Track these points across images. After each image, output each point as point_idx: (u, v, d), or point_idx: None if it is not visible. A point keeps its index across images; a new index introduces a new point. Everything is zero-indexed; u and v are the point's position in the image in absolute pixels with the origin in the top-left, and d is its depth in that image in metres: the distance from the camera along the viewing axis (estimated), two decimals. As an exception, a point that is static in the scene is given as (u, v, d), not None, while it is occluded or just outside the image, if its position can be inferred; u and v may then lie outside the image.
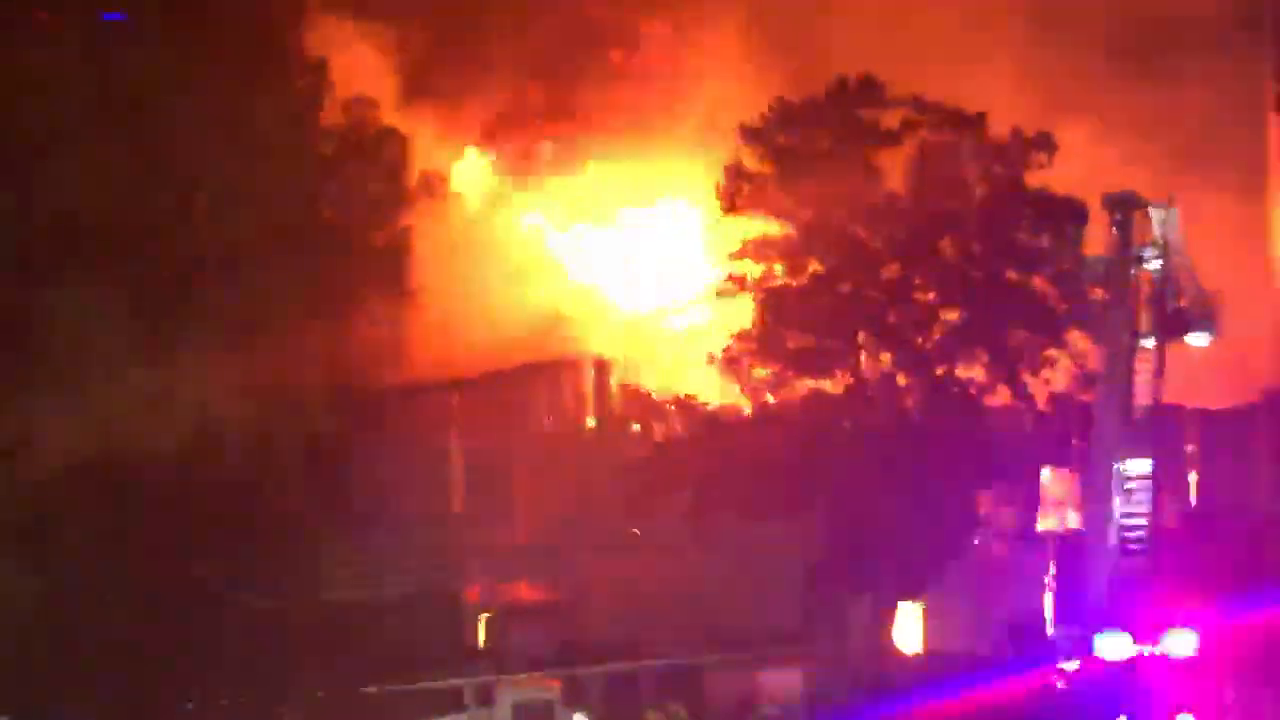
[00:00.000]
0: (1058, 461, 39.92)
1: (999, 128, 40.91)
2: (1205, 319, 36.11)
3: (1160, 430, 36.14)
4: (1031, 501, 40.95)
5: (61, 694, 33.41)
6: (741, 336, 41.11)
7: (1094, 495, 36.17)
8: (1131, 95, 45.06)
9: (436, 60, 46.19)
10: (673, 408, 42.04)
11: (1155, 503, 35.63)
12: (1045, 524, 40.46)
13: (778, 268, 41.17)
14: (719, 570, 41.31)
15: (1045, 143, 40.47)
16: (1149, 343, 36.00)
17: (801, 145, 41.51)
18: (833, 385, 40.91)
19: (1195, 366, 37.42)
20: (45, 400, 32.48)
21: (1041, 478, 40.81)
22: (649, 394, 42.94)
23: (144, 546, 33.56)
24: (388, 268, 36.09)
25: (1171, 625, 35.01)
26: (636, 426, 43.58)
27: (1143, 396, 36.07)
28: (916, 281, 40.89)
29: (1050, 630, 37.17)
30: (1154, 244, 36.09)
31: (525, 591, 42.40)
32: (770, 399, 41.08)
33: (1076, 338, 39.82)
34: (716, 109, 45.06)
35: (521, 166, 47.84)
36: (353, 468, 36.38)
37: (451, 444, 43.96)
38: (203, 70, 34.38)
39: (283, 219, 34.29)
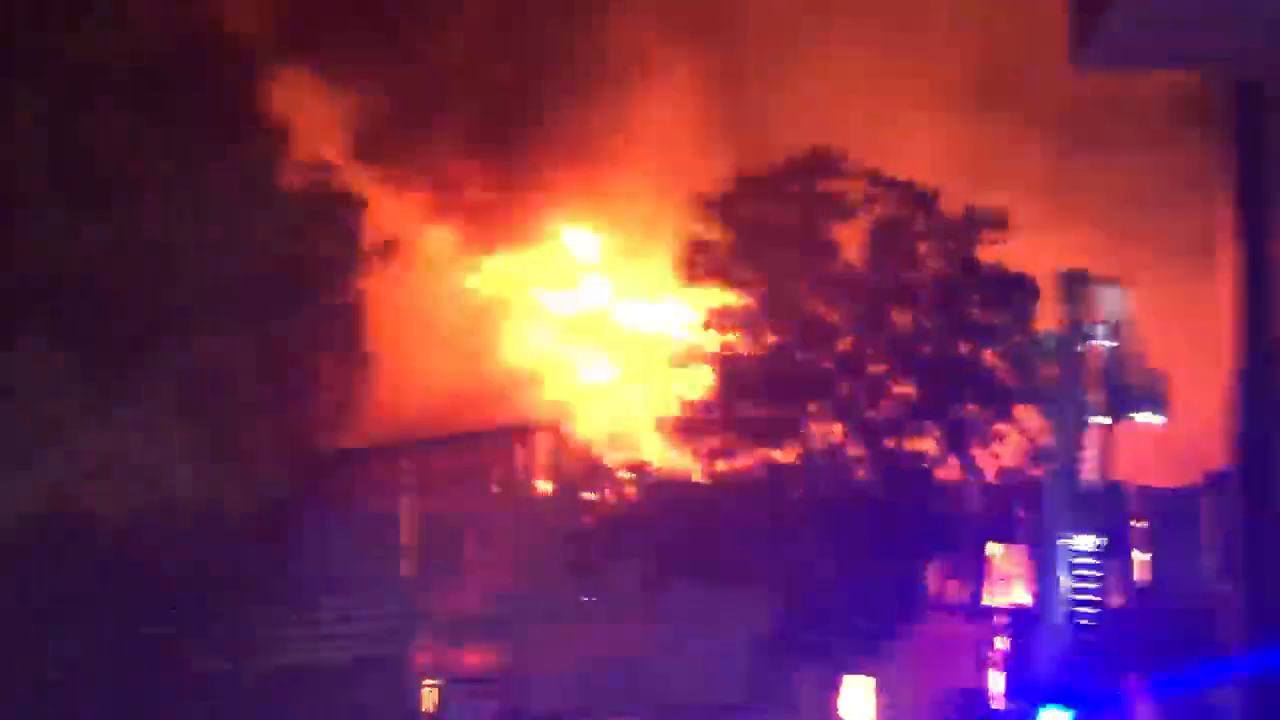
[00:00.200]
0: (1007, 536, 40.08)
1: (953, 203, 41.30)
2: (1154, 398, 36.40)
3: (1109, 507, 36.37)
4: (980, 576, 41.05)
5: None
6: (695, 405, 41.28)
7: (1042, 571, 36.37)
8: (1085, 174, 45.48)
9: (394, 123, 46.36)
10: (625, 474, 42.14)
11: (1103, 579, 35.83)
12: (994, 599, 40.54)
13: (734, 338, 41.39)
14: (667, 639, 41.33)
15: (998, 219, 40.84)
16: (1099, 420, 36.26)
17: (760, 217, 41.80)
18: (783, 455, 41.07)
19: (1144, 445, 37.64)
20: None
21: (990, 552, 40.94)
22: (601, 460, 43.05)
23: (92, 609, 33.48)
24: (341, 331, 36.16)
25: (1116, 700, 35.13)
26: (589, 494, 43.64)
27: (1092, 473, 36.32)
28: (869, 354, 41.15)
29: (996, 705, 37.26)
30: (1104, 322, 36.41)
31: (474, 658, 42.35)
32: (721, 467, 41.22)
33: (1027, 413, 40.05)
34: (675, 179, 45.31)
35: (478, 232, 48.00)
36: (303, 531, 36.40)
37: (402, 508, 43.97)
38: (158, 131, 34.44)
39: (237, 281, 34.33)
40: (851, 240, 41.44)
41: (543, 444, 45.48)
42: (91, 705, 33.36)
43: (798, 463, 40.83)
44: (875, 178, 41.11)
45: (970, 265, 40.92)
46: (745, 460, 40.99)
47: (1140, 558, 41.05)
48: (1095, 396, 36.38)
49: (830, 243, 41.32)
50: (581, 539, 41.53)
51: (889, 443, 40.79)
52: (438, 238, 47.61)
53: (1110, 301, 36.53)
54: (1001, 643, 38.39)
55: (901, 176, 41.27)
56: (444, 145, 47.23)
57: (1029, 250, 41.30)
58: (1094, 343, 36.41)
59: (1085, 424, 36.33)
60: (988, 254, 41.10)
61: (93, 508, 32.47)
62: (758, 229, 41.61)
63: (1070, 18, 23.46)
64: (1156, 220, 43.10)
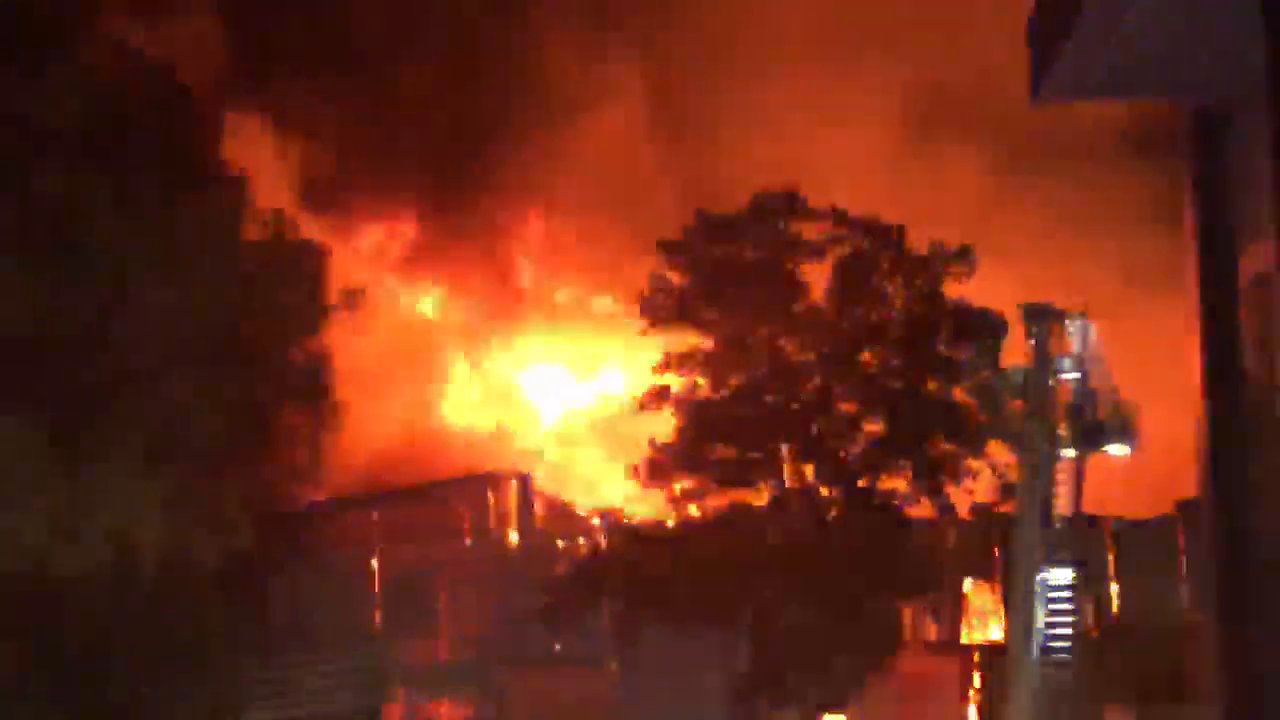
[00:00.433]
0: (980, 572, 39.95)
1: (919, 240, 41.24)
2: (1124, 430, 36.25)
3: (1081, 540, 36.20)
4: (954, 613, 40.91)
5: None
6: (664, 448, 41.07)
7: (1016, 606, 36.16)
8: (1053, 208, 45.54)
9: (351, 170, 46.26)
10: (596, 521, 41.94)
11: (1077, 613, 35.64)
12: (970, 635, 40.40)
13: (700, 380, 41.22)
14: (641, 684, 41.07)
15: (964, 255, 40.78)
16: (1069, 453, 36.11)
17: (723, 258, 41.66)
18: (755, 497, 40.88)
19: (1115, 477, 37.52)
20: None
21: (964, 588, 40.83)
22: (572, 507, 42.85)
23: (58, 666, 33.09)
24: (307, 383, 35.86)
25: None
26: (560, 541, 43.42)
27: (1063, 507, 36.12)
28: (838, 392, 41.01)
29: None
30: (1072, 356, 36.29)
31: (446, 710, 42.05)
32: (694, 511, 41.02)
33: (997, 448, 39.91)
34: (632, 220, 45.29)
35: (439, 279, 47.89)
36: (271, 585, 36.07)
37: (372, 560, 43.70)
38: (120, 184, 34.18)
39: (200, 335, 34.04)
40: (816, 277, 41.38)
41: (513, 492, 45.31)
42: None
43: (770, 504, 40.69)
44: (840, 216, 41.05)
45: (936, 301, 40.90)
46: (717, 501, 40.84)
47: (1114, 590, 41.05)
48: (1065, 429, 36.23)
49: (795, 282, 41.25)
50: (554, 587, 41.29)
51: (861, 482, 40.67)
52: (397, 286, 47.49)
53: (1077, 334, 36.39)
54: (979, 679, 38.24)
55: (858, 211, 41.19)
56: (403, 192, 47.13)
57: (991, 283, 41.28)
58: (1062, 375, 36.26)
59: (1056, 457, 36.14)
60: (953, 289, 41.13)
61: (57, 564, 32.08)
62: (719, 269, 41.50)
63: (1029, 50, 23.43)
64: (1120, 250, 43.16)
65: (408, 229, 47.91)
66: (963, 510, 40.75)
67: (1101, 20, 21.07)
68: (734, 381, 41.13)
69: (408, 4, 48.66)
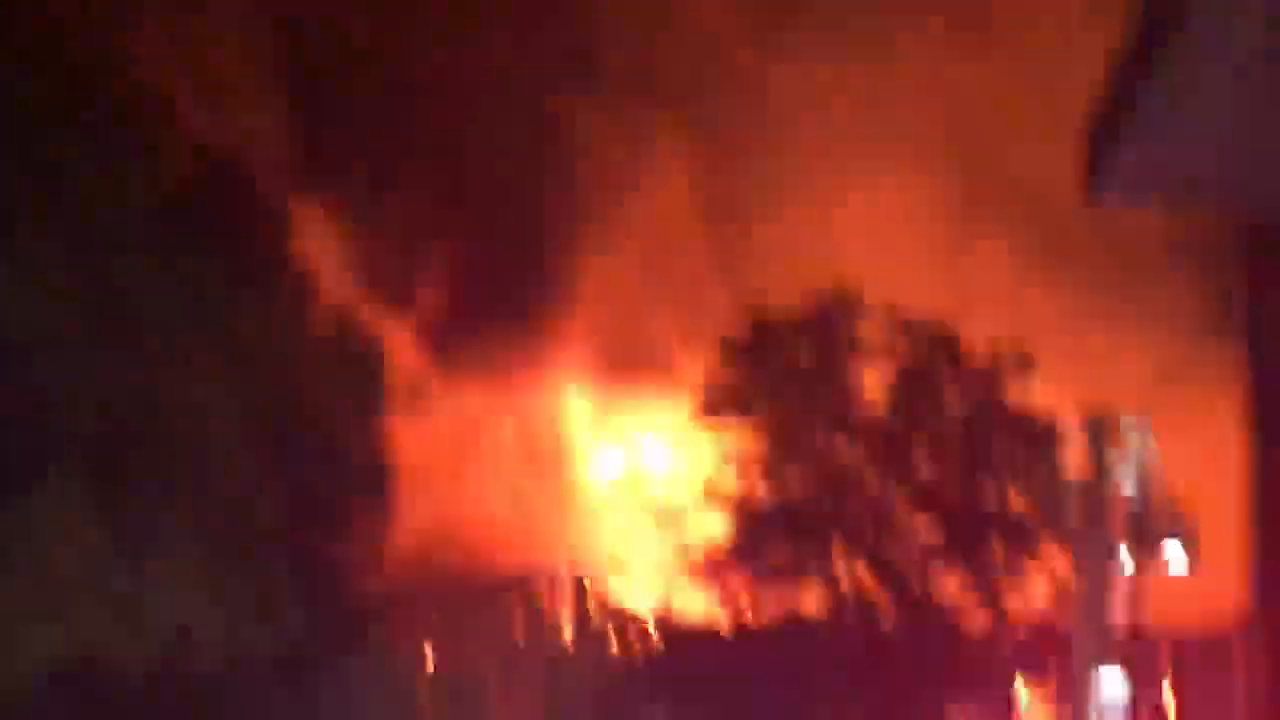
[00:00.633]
0: (1036, 679, 39.67)
1: (977, 343, 41.13)
2: (1182, 540, 36.02)
3: (1138, 654, 35.93)
4: (1005, 714, 40.61)
5: None
6: (718, 549, 40.94)
7: (1072, 716, 35.88)
8: (1110, 316, 45.40)
9: (418, 267, 46.31)
10: (649, 622, 41.79)
11: (1132, 723, 35.36)
12: (1019, 739, 40.11)
13: (756, 481, 41.13)
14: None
15: (1025, 364, 40.71)
16: (1126, 562, 35.89)
17: (780, 359, 41.64)
18: (808, 601, 40.69)
19: (1172, 588, 37.27)
20: (17, 607, 32.17)
21: (1017, 696, 40.54)
22: (625, 608, 42.71)
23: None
24: (368, 477, 36.00)
25: None
26: (613, 640, 43.26)
27: (1120, 618, 35.90)
28: (893, 499, 40.88)
29: None
30: (1130, 464, 36.11)
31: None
32: (747, 613, 40.85)
33: (1054, 554, 39.71)
34: (682, 315, 45.25)
35: (491, 372, 47.84)
36: (324, 679, 36.03)
37: (425, 656, 43.56)
38: (186, 274, 34.47)
39: (263, 427, 34.23)
40: (875, 381, 41.30)
41: (567, 590, 45.15)
42: None
43: (823, 610, 40.48)
44: (898, 319, 40.99)
45: (995, 407, 40.80)
46: (770, 605, 40.65)
47: (1170, 703, 40.73)
48: (1122, 538, 36.04)
49: (853, 383, 41.20)
50: (609, 688, 41.10)
51: (916, 589, 40.47)
52: (453, 378, 47.46)
53: (1135, 443, 36.25)
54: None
55: (913, 310, 41.03)
56: (457, 286, 47.09)
57: (1049, 386, 41.12)
58: (1120, 483, 36.10)
59: (1113, 566, 35.94)
60: (1011, 392, 40.99)
61: (116, 653, 32.18)
62: (775, 369, 41.47)
63: (1086, 148, 23.32)
64: (1185, 357, 42.98)
65: (465, 320, 47.94)
66: (1017, 614, 40.51)
67: (1159, 123, 20.96)
68: (789, 483, 41.04)
69: (468, 93, 48.74)
